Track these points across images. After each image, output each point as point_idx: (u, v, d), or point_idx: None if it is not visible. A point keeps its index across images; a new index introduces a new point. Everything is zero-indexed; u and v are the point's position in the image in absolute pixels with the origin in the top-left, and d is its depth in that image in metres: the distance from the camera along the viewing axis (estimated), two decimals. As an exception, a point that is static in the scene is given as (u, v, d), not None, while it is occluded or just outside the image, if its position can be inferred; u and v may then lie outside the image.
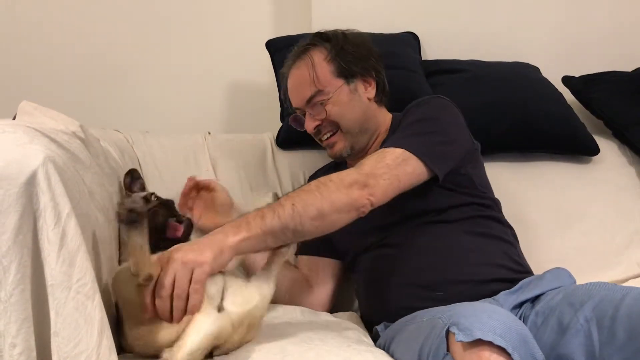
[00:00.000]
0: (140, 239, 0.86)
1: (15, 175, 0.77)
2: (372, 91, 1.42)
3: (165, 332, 0.92)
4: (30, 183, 0.77)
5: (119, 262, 1.08)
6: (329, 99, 1.37)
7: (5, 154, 0.77)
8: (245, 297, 0.99)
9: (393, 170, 1.18)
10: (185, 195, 1.34)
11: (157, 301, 0.91)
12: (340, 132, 1.40)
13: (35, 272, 0.78)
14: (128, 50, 1.94)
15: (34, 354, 0.77)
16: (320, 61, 1.39)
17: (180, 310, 0.92)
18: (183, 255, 0.93)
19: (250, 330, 1.00)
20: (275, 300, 1.36)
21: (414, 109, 1.37)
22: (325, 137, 1.41)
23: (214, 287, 0.96)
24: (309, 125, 1.41)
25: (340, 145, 1.41)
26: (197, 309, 0.92)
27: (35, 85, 1.86)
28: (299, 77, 1.41)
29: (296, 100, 1.43)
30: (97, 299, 0.80)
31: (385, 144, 1.29)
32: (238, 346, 0.98)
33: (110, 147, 1.33)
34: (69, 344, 0.78)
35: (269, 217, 1.02)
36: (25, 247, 0.77)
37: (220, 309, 0.96)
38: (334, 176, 1.14)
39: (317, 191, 1.09)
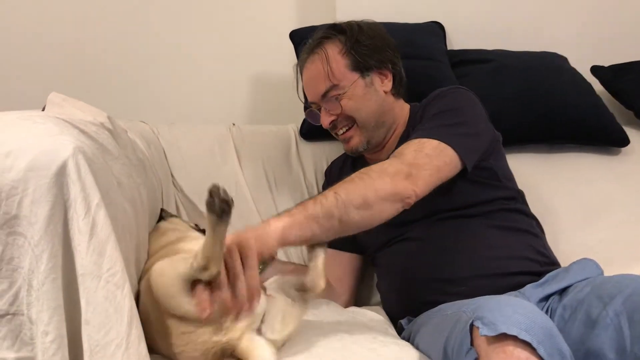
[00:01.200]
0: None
1: (47, 165, 0.77)
2: (388, 84, 1.40)
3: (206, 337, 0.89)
4: (61, 173, 0.78)
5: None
6: (344, 94, 1.36)
7: (37, 144, 0.78)
8: (284, 323, 0.96)
9: (434, 160, 1.16)
10: None
11: (216, 293, 0.85)
12: (356, 126, 1.39)
13: (66, 262, 0.79)
14: (153, 42, 1.95)
15: (66, 341, 0.78)
16: (334, 55, 1.37)
17: (244, 293, 0.86)
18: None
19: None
20: None
21: (436, 100, 1.35)
22: (341, 131, 1.41)
23: (258, 308, 0.91)
24: (325, 120, 1.40)
25: (357, 139, 1.40)
26: (258, 292, 0.87)
27: (62, 77, 1.88)
28: (313, 71, 1.39)
29: (311, 94, 1.42)
30: (127, 288, 0.81)
31: (412, 134, 1.27)
32: None
33: (137, 138, 1.34)
34: (100, 332, 0.78)
35: (311, 205, 1.00)
36: (57, 236, 0.78)
37: (259, 331, 0.93)
38: (375, 166, 1.12)
39: (360, 180, 1.07)
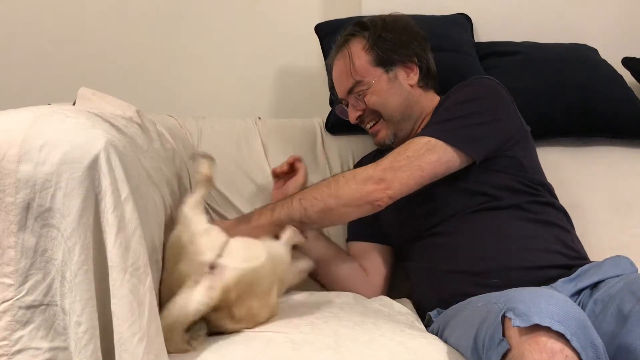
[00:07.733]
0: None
1: (79, 159, 0.78)
2: (414, 77, 1.41)
3: None
4: (93, 167, 0.79)
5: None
6: (368, 89, 1.38)
7: (70, 138, 0.79)
8: (247, 254, 0.99)
9: (414, 161, 1.19)
10: (286, 165, 1.47)
11: None
12: (383, 120, 1.41)
13: (98, 254, 0.80)
14: (179, 37, 1.96)
15: (98, 332, 0.79)
16: (358, 51, 1.40)
17: None
18: None
19: (253, 292, 0.98)
20: (332, 288, 1.36)
21: (454, 92, 1.36)
22: (369, 126, 1.44)
23: (207, 242, 0.97)
24: (352, 116, 1.43)
25: (383, 133, 1.42)
26: None
27: (91, 72, 1.90)
28: (339, 68, 1.43)
29: (339, 91, 1.46)
30: (148, 283, 0.82)
31: (422, 130, 1.29)
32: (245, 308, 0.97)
33: (165, 132, 1.35)
34: (124, 324, 0.79)
35: (278, 210, 1.17)
36: (88, 229, 0.79)
37: (214, 266, 0.95)
38: (348, 172, 1.23)
39: (326, 186, 1.18)
